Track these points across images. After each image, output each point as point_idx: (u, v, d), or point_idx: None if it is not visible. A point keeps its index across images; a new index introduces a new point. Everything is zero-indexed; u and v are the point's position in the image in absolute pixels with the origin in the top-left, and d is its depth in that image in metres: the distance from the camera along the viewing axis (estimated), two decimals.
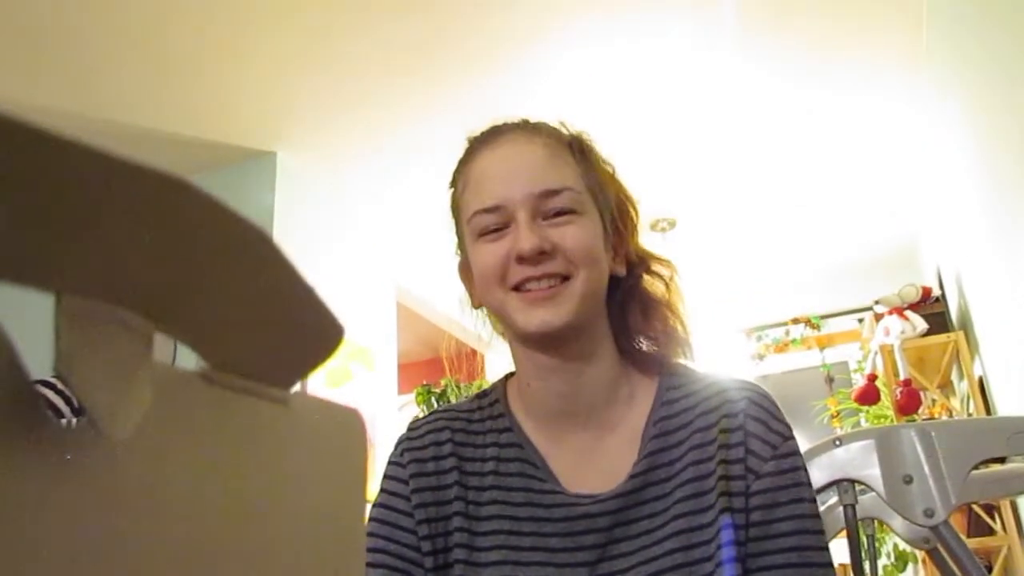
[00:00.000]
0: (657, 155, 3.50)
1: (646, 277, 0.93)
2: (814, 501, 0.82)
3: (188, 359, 0.18)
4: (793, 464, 0.82)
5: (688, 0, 2.58)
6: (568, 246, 0.81)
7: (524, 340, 0.87)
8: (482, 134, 0.90)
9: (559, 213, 0.82)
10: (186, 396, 0.18)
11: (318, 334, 0.21)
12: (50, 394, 3.21)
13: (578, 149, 0.88)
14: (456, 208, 0.91)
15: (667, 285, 0.94)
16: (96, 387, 0.15)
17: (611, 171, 0.93)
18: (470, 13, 2.55)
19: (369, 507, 0.88)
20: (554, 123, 0.91)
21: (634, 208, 0.94)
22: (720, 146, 3.48)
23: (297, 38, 2.61)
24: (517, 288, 0.82)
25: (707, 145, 3.47)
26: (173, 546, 0.17)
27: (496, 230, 0.83)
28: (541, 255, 0.80)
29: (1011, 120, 1.91)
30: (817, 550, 0.78)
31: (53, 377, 3.16)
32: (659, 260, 0.95)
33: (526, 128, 0.88)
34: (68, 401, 3.16)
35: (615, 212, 0.90)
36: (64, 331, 0.14)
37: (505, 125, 0.90)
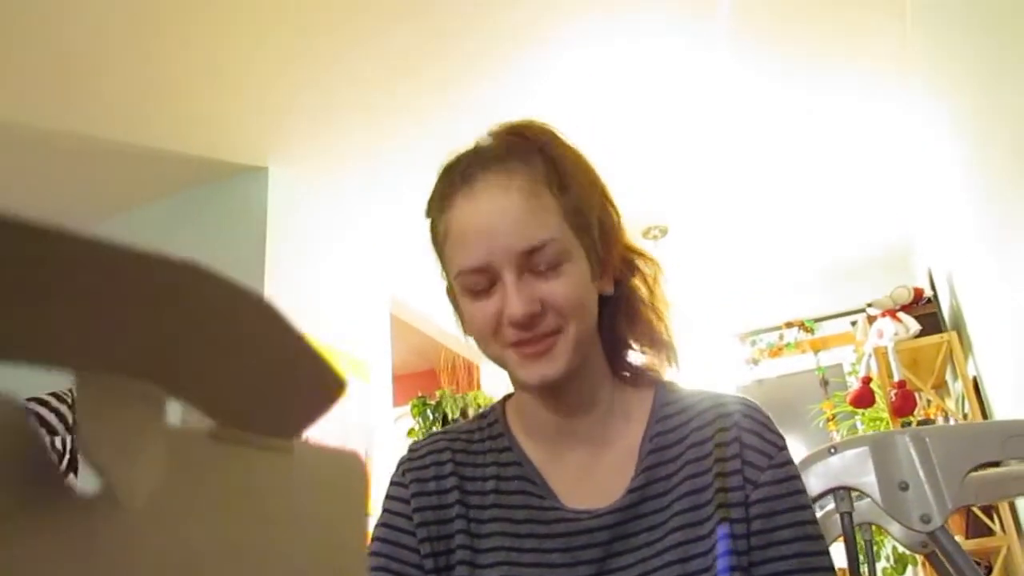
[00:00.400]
0: (649, 161, 3.51)
1: (632, 281, 0.93)
2: (811, 507, 0.84)
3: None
4: (789, 473, 0.84)
5: (684, 3, 2.60)
6: (558, 303, 0.81)
7: (524, 388, 0.90)
8: (457, 173, 0.86)
9: (546, 267, 0.81)
10: (196, 455, 0.19)
11: (320, 387, 0.22)
12: (43, 411, 3.21)
13: (556, 181, 0.84)
14: (436, 246, 0.89)
15: (651, 289, 0.94)
16: (114, 458, 0.15)
17: (587, 174, 0.89)
18: (464, 17, 2.55)
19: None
20: (524, 147, 0.86)
21: (616, 214, 0.92)
22: (712, 151, 3.50)
23: (288, 51, 2.62)
24: (512, 344, 0.83)
25: (699, 150, 3.49)
26: None
27: (484, 288, 0.82)
28: (532, 318, 0.80)
29: (1000, 121, 1.93)
30: (818, 555, 0.80)
31: (48, 395, 3.16)
32: (644, 258, 0.95)
33: (501, 169, 0.83)
34: (61, 418, 3.16)
35: (599, 231, 0.87)
36: (83, 408, 0.15)
37: (478, 158, 0.85)
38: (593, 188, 0.89)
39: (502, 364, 0.87)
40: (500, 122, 0.91)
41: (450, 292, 0.93)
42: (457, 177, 0.85)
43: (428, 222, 0.90)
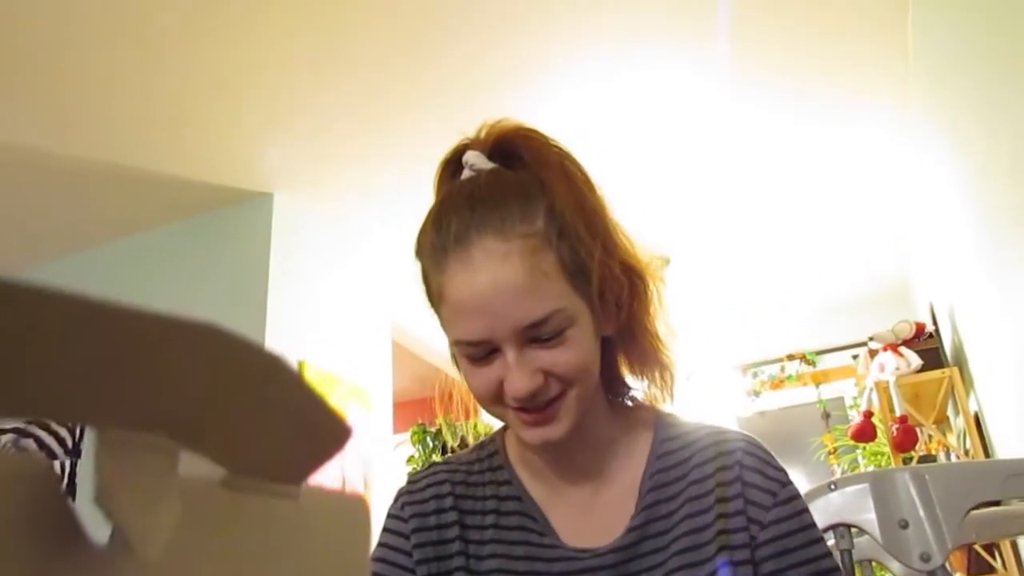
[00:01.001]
0: (652, 191, 3.54)
1: (632, 306, 0.86)
2: (823, 540, 0.82)
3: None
4: (795, 508, 0.82)
5: (687, 35, 2.63)
6: (562, 372, 0.78)
7: (526, 446, 0.88)
8: (450, 232, 0.78)
9: (549, 336, 0.77)
10: (208, 503, 0.20)
11: (326, 435, 0.23)
12: (43, 435, 3.21)
13: (556, 229, 0.78)
14: (430, 300, 0.84)
15: (650, 311, 0.88)
16: (129, 510, 0.16)
17: (585, 203, 0.82)
18: (468, 47, 2.58)
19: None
20: (521, 187, 0.80)
21: (615, 237, 0.85)
22: (715, 182, 3.52)
23: (293, 78, 2.65)
24: (514, 409, 0.80)
25: (702, 181, 3.51)
26: None
27: (483, 356, 0.79)
28: (536, 391, 0.77)
29: (998, 155, 1.95)
30: None
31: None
32: (643, 276, 0.88)
33: (498, 231, 0.76)
34: (61, 442, 3.16)
35: (601, 276, 0.81)
36: (103, 462, 0.16)
37: (472, 214, 0.78)
38: (594, 219, 0.82)
39: (502, 420, 0.85)
40: (487, 123, 0.86)
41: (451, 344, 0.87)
42: (450, 238, 0.78)
43: (419, 266, 0.84)
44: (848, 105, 3.06)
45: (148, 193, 3.15)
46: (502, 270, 0.75)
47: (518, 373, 0.76)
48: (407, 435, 3.93)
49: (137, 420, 0.16)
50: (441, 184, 0.90)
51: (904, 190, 3.62)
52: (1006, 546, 3.10)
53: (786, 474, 0.86)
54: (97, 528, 0.17)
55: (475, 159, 0.85)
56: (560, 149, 0.85)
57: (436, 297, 0.81)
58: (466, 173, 0.85)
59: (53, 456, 3.04)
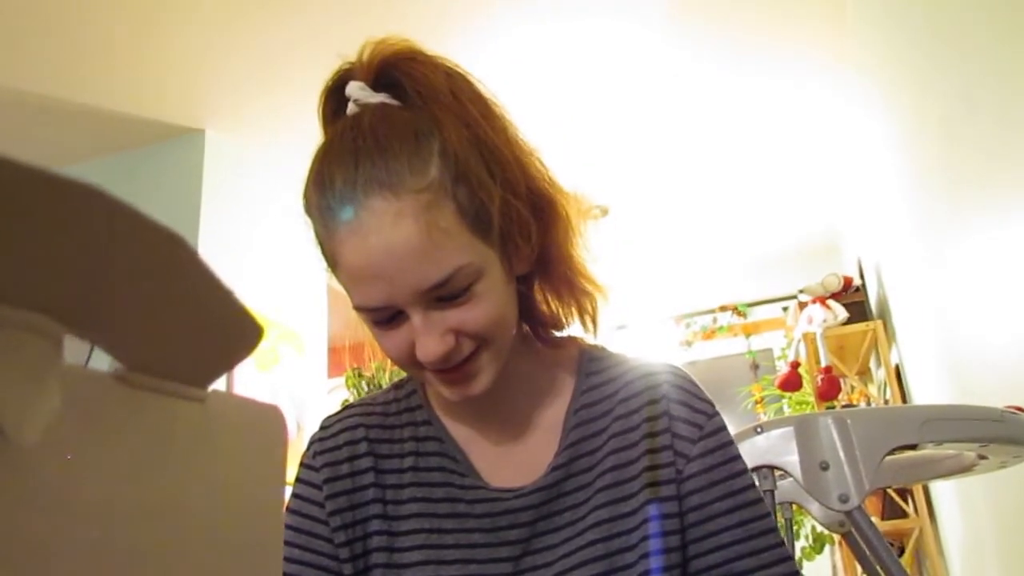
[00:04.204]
0: (591, 141, 3.53)
1: (549, 236, 0.81)
2: (747, 472, 0.82)
3: (102, 361, 0.18)
4: (720, 441, 0.82)
5: None
6: (471, 330, 0.73)
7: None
8: (334, 192, 0.71)
9: (455, 294, 0.71)
10: (98, 397, 0.18)
11: (235, 334, 0.21)
12: None
13: (451, 174, 0.71)
14: (326, 260, 0.77)
15: (568, 237, 0.83)
16: (4, 393, 0.14)
17: (481, 135, 0.75)
18: None
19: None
20: (408, 127, 0.72)
21: (519, 163, 0.78)
22: (652, 133, 3.53)
23: (225, 12, 2.56)
24: (431, 371, 0.77)
25: (640, 132, 3.52)
26: (86, 548, 0.17)
27: (387, 319, 0.74)
28: (448, 353, 0.73)
29: (930, 112, 1.98)
30: (760, 519, 0.78)
31: None
32: (556, 202, 0.81)
33: (386, 192, 0.69)
34: None
35: (507, 216, 0.75)
36: None
37: (357, 175, 0.70)
38: (493, 154, 0.75)
39: (421, 380, 0.82)
40: (370, 42, 0.77)
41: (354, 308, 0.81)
42: (335, 198, 0.71)
43: (309, 224, 0.77)
44: (784, 59, 3.08)
45: (76, 127, 3.03)
46: (394, 233, 0.68)
47: (426, 337, 0.72)
48: (342, 380, 3.90)
49: (14, 292, 0.15)
50: (325, 120, 0.82)
51: (837, 146, 3.68)
52: (919, 492, 3.24)
53: (712, 405, 0.85)
54: None
55: (358, 92, 0.77)
56: (449, 71, 0.78)
57: (331, 261, 0.75)
58: (351, 108, 0.77)
59: None
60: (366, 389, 3.87)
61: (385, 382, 3.69)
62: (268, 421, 0.25)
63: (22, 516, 0.16)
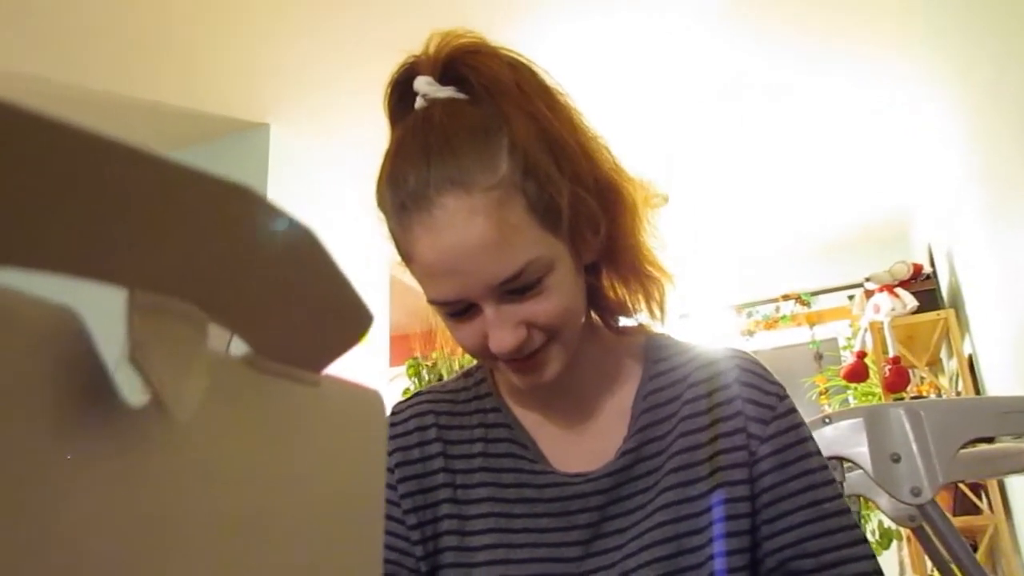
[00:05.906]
0: (651, 131, 3.50)
1: (616, 224, 0.82)
2: (819, 453, 0.82)
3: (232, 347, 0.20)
4: (792, 422, 0.82)
5: None
6: (543, 323, 0.75)
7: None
8: (407, 190, 0.73)
9: (527, 288, 0.73)
10: (233, 380, 0.20)
11: (350, 321, 0.23)
12: None
13: (520, 168, 0.72)
14: (400, 254, 0.80)
15: (636, 224, 0.84)
16: (165, 372, 0.16)
17: (550, 128, 0.76)
18: None
19: None
20: (480, 124, 0.74)
21: (588, 153, 0.80)
22: (714, 122, 3.48)
23: (289, 5, 2.60)
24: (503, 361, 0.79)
25: (701, 121, 3.47)
26: (223, 520, 0.18)
27: (461, 311, 0.76)
28: (520, 344, 0.75)
29: (1005, 98, 1.93)
30: (832, 500, 0.79)
31: None
32: (624, 190, 0.83)
33: (458, 190, 0.71)
34: None
35: (576, 209, 0.76)
36: (135, 322, 0.16)
37: (429, 173, 0.72)
38: (560, 147, 0.76)
39: (495, 369, 0.85)
40: (435, 34, 0.79)
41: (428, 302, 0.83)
42: (408, 196, 0.73)
43: (382, 219, 0.80)
44: (852, 41, 3.00)
45: (144, 123, 3.11)
46: (467, 230, 0.70)
47: (498, 330, 0.74)
48: (403, 368, 3.95)
49: (169, 283, 0.16)
50: (392, 113, 0.85)
51: (906, 129, 3.59)
52: (993, 489, 3.15)
53: (782, 388, 0.86)
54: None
55: (426, 87, 0.79)
56: (513, 63, 0.79)
57: (405, 256, 0.78)
58: (419, 102, 0.80)
59: None
60: (427, 378, 3.92)
61: (446, 371, 3.73)
62: (371, 404, 0.27)
63: (172, 487, 0.17)
